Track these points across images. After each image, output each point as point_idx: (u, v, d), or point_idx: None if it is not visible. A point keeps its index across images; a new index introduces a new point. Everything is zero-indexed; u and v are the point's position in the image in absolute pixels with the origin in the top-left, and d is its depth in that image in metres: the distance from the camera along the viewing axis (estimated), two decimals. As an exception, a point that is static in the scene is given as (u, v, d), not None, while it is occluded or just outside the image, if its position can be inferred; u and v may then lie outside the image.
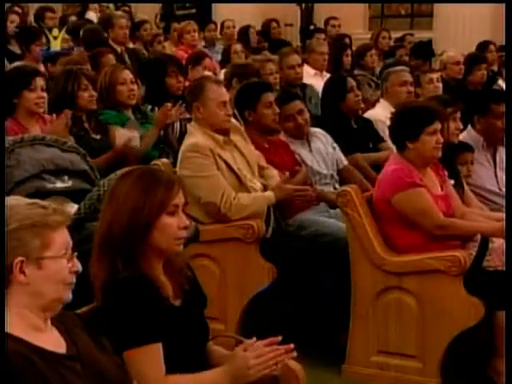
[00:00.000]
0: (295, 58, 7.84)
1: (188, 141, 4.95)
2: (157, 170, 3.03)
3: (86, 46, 8.31)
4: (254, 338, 2.85)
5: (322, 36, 11.04)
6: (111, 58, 7.29)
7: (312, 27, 12.64)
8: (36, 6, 11.66)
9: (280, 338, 2.82)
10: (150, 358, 2.72)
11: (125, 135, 5.50)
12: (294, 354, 2.82)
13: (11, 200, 2.48)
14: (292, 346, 2.81)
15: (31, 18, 11.28)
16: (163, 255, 2.88)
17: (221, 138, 4.93)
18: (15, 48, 8.55)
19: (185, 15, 14.61)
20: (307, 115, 5.67)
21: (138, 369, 2.68)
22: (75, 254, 2.47)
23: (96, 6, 12.46)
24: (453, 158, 5.28)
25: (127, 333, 2.70)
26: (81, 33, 8.82)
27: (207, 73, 7.26)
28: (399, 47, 10.21)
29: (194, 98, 5.03)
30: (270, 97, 5.41)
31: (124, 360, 2.67)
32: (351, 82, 6.41)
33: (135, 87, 5.85)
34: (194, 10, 15.48)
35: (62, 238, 2.42)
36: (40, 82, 5.12)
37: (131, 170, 2.95)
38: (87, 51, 7.93)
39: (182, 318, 2.86)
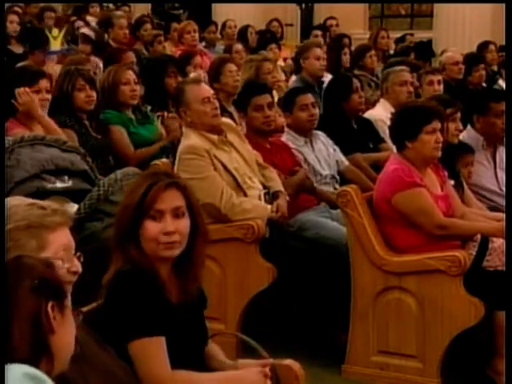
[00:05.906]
0: (320, 51, 8.04)
1: (184, 143, 4.95)
2: (158, 173, 2.95)
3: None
4: (271, 359, 2.84)
5: (319, 33, 11.06)
6: (131, 55, 7.27)
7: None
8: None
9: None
10: (153, 352, 2.68)
11: None
12: None
13: (14, 200, 2.47)
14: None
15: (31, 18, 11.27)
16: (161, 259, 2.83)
17: (215, 137, 4.93)
18: (14, 48, 8.54)
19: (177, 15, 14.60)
20: (318, 111, 5.71)
21: (141, 362, 2.65)
22: (78, 254, 2.46)
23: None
24: (453, 159, 5.28)
25: (129, 325, 2.67)
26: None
27: (199, 71, 7.25)
28: (409, 48, 10.06)
29: (178, 103, 5.07)
30: (263, 99, 5.34)
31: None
32: (356, 82, 6.42)
33: (138, 87, 5.85)
34: (181, 11, 15.44)
35: (61, 240, 2.40)
36: (44, 83, 5.11)
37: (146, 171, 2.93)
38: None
39: (179, 316, 2.82)
